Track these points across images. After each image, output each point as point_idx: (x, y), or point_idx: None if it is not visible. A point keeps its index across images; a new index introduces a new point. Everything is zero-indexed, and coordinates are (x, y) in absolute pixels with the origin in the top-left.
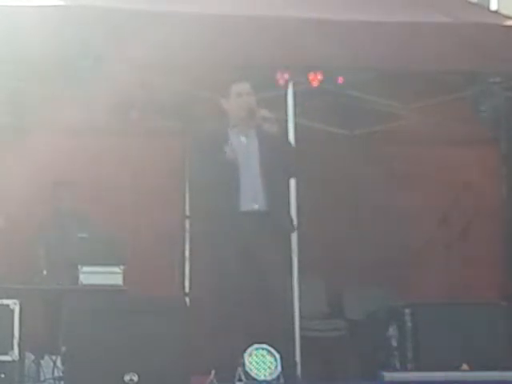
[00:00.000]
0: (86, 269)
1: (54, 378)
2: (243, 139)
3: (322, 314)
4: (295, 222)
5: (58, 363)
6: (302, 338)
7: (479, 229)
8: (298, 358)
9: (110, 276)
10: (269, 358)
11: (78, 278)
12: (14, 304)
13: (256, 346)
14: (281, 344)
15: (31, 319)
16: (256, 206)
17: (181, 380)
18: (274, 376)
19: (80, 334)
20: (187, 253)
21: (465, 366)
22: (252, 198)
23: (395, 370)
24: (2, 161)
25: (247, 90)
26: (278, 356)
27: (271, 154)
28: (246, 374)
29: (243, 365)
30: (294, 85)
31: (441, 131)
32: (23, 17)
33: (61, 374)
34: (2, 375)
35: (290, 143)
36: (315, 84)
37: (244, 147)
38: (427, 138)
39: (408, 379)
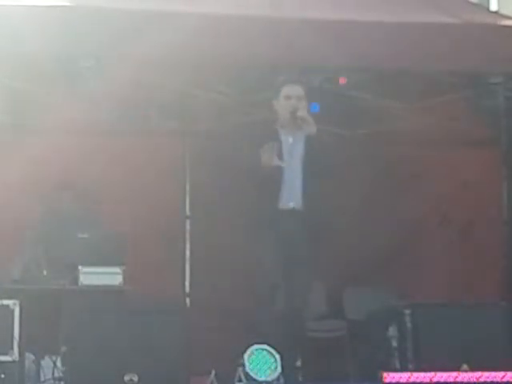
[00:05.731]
0: (86, 269)
1: (54, 379)
2: (290, 139)
3: (321, 314)
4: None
5: (58, 363)
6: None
7: (479, 229)
8: (297, 359)
9: (110, 276)
10: (269, 358)
11: (78, 278)
12: (13, 304)
13: (256, 346)
14: (281, 344)
15: (31, 319)
16: (291, 204)
17: (181, 380)
18: (274, 376)
19: (80, 334)
20: (187, 253)
21: (465, 366)
22: (289, 196)
23: (395, 370)
24: (2, 161)
25: (297, 94)
26: (277, 356)
27: (313, 155)
28: (246, 374)
29: (243, 365)
30: None
31: (441, 131)
32: (23, 17)
33: (61, 375)
34: (2, 375)
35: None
36: (316, 84)
37: (289, 147)
38: (427, 138)
39: (408, 379)
